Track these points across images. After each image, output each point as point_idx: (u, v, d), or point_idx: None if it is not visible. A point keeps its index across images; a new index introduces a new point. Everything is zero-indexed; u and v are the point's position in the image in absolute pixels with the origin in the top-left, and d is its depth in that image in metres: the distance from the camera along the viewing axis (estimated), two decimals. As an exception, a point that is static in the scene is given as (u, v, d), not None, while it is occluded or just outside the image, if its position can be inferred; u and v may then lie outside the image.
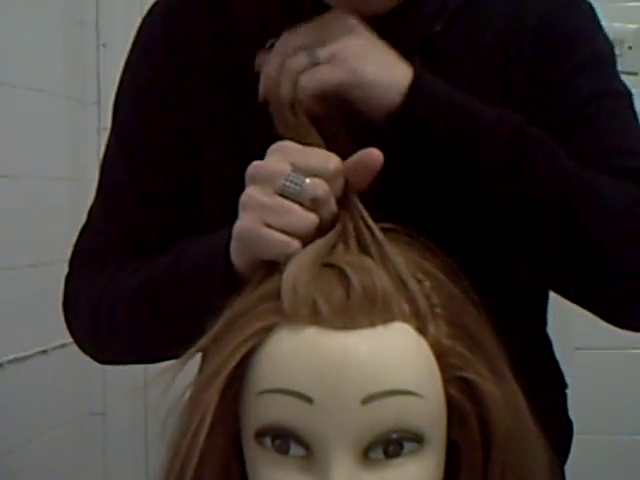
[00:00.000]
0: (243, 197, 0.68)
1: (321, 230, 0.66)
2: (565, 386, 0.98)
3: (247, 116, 0.82)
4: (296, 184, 0.66)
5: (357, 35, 0.77)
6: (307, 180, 0.66)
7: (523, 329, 0.81)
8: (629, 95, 0.88)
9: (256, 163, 0.68)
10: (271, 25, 0.82)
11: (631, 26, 1.97)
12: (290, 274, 0.62)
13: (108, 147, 0.92)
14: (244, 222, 0.68)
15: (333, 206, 0.67)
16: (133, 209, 0.88)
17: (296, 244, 0.65)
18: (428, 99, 0.75)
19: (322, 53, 0.75)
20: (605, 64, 0.88)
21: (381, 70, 0.75)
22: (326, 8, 0.81)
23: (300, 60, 0.76)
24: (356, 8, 0.80)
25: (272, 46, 0.80)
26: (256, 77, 0.80)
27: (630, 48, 1.93)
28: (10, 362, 1.73)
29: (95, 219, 0.92)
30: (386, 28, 0.81)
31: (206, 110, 0.85)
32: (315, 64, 0.75)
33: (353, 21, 0.78)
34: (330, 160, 0.68)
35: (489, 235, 0.79)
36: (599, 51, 0.88)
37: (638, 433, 2.06)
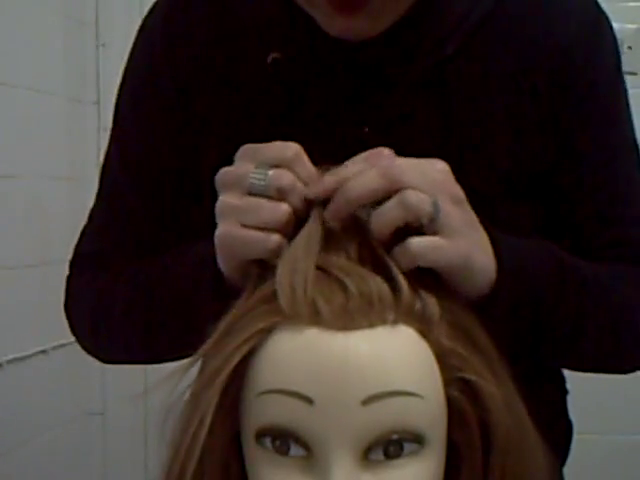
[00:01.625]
0: (217, 205, 0.68)
1: (298, 217, 0.66)
2: (565, 387, 0.98)
3: (247, 117, 0.82)
4: (260, 179, 0.66)
5: (463, 209, 0.67)
6: (269, 172, 0.66)
7: None
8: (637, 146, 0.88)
9: (223, 170, 0.69)
10: (272, 27, 0.82)
11: (631, 26, 1.97)
12: (284, 274, 0.62)
13: (109, 148, 0.92)
14: (222, 228, 0.68)
15: (301, 191, 0.66)
16: (133, 210, 0.88)
17: (275, 237, 0.65)
18: (515, 283, 0.71)
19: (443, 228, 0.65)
20: (623, 115, 0.87)
21: (483, 256, 0.68)
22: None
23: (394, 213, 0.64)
24: (342, 31, 0.77)
25: (274, 60, 0.79)
26: (255, 84, 0.80)
27: (630, 48, 1.93)
28: (10, 362, 1.73)
29: (95, 220, 0.92)
30: (395, 50, 0.80)
31: (207, 111, 0.84)
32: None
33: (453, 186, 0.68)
34: (287, 147, 0.67)
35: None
36: (619, 102, 0.86)
37: (638, 433, 2.07)
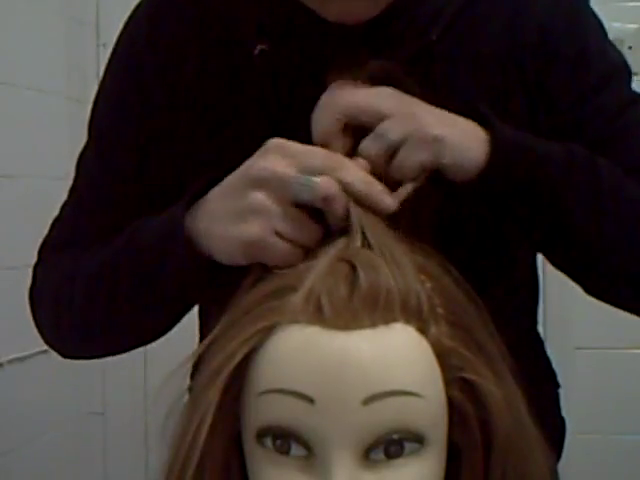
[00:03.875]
0: (254, 201, 0.67)
1: (335, 226, 0.67)
2: (558, 384, 0.98)
3: (236, 109, 0.82)
4: (307, 186, 0.66)
5: (409, 104, 0.73)
6: (317, 180, 0.66)
7: (516, 328, 0.81)
8: None
9: (258, 164, 0.68)
10: (257, 18, 0.82)
11: (631, 26, 1.97)
12: (311, 282, 0.61)
13: (85, 148, 0.91)
14: (255, 229, 0.67)
15: (344, 201, 0.67)
16: (106, 206, 0.87)
17: (300, 254, 0.66)
18: (510, 155, 0.73)
19: (393, 135, 0.70)
20: (620, 75, 0.87)
21: (457, 132, 0.72)
22: (317, 19, 0.80)
23: (373, 146, 0.71)
24: (341, 13, 0.78)
25: (261, 52, 0.79)
26: (243, 77, 0.79)
27: (630, 48, 1.93)
28: (10, 362, 1.73)
29: (66, 214, 0.91)
30: (380, 35, 0.80)
31: (192, 111, 0.84)
32: (390, 146, 0.71)
33: (391, 91, 0.74)
34: (332, 156, 0.68)
35: (490, 238, 0.79)
36: (612, 64, 0.87)
37: (638, 433, 2.06)
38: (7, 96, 1.74)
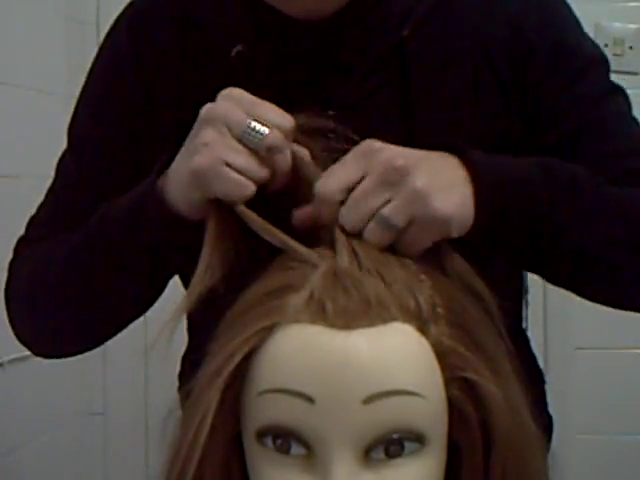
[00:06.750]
0: (204, 136, 0.69)
1: (274, 182, 0.70)
2: (544, 380, 0.98)
3: None
4: (255, 131, 0.69)
5: (415, 178, 0.67)
6: (265, 129, 0.69)
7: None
8: (622, 90, 0.88)
9: (212, 106, 0.70)
10: (233, 21, 0.83)
11: (631, 26, 1.96)
12: (312, 282, 0.62)
13: (64, 152, 0.92)
14: (203, 159, 0.69)
15: (289, 158, 0.70)
16: (81, 205, 0.86)
17: (252, 188, 0.69)
18: (494, 192, 0.72)
19: (399, 222, 0.66)
20: (596, 66, 0.87)
21: (456, 200, 0.69)
22: (289, 19, 0.81)
23: (379, 233, 0.67)
24: (303, 9, 0.80)
25: (238, 54, 0.81)
26: (222, 80, 0.80)
27: (630, 48, 1.93)
28: (10, 362, 1.73)
29: (41, 212, 0.92)
30: (352, 33, 0.81)
31: (172, 116, 0.85)
32: (396, 232, 0.67)
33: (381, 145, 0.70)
34: (286, 116, 0.71)
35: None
36: (587, 55, 0.87)
37: (638, 433, 2.06)
38: (7, 96, 1.74)
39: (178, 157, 0.73)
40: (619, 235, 0.78)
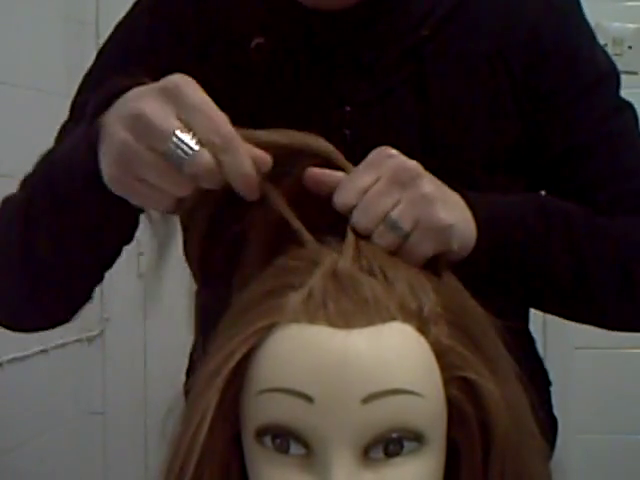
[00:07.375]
0: (121, 132, 0.62)
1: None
2: (549, 383, 0.98)
3: (231, 102, 0.82)
4: (181, 151, 0.61)
5: (424, 183, 0.68)
6: (194, 149, 0.61)
7: (508, 327, 0.81)
8: (630, 106, 0.88)
9: (143, 99, 0.62)
10: (254, 13, 0.83)
11: (631, 26, 1.97)
12: (311, 282, 0.61)
13: (64, 122, 0.94)
14: (114, 170, 0.64)
15: (218, 180, 0.62)
16: None
17: (168, 202, 0.64)
18: (495, 231, 0.74)
19: (406, 225, 0.67)
20: (608, 80, 0.88)
21: (459, 215, 0.71)
22: (310, 12, 0.81)
23: (388, 237, 0.67)
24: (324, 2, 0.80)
25: (257, 46, 0.80)
26: (241, 71, 0.80)
27: (630, 48, 1.93)
28: (10, 362, 1.73)
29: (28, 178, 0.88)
30: (372, 30, 0.82)
31: None
32: (404, 237, 0.67)
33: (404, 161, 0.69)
34: (222, 128, 0.62)
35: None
36: (601, 67, 0.88)
37: (638, 433, 2.07)
38: (7, 96, 1.74)
39: (112, 113, 0.65)
40: (613, 271, 0.80)
